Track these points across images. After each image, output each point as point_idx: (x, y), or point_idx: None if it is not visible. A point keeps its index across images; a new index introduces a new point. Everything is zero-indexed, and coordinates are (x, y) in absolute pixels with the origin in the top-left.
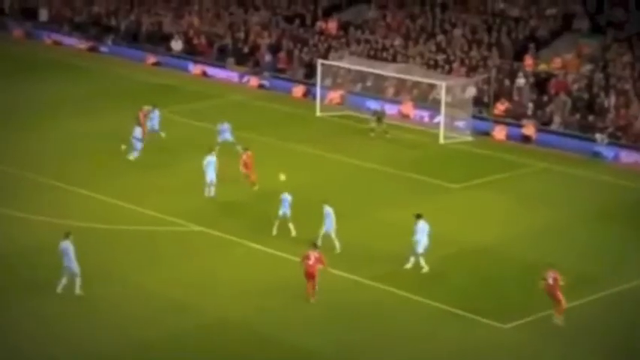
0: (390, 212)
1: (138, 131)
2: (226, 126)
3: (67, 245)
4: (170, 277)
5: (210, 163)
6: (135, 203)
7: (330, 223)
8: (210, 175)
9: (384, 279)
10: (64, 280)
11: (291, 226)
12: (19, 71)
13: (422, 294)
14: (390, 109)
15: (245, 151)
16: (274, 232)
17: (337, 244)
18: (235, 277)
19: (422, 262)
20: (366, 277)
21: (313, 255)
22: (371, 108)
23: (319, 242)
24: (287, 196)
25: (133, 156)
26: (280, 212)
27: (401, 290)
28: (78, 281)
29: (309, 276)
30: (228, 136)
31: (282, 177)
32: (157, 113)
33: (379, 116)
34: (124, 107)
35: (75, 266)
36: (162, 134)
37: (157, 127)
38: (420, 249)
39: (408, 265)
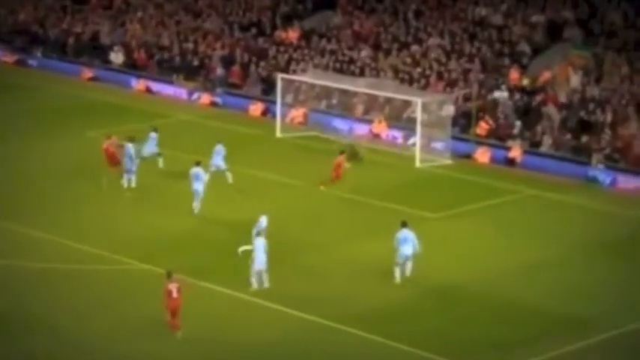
0: (357, 246)
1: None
2: (219, 148)
3: None
4: (111, 325)
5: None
6: (68, 238)
7: (261, 258)
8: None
9: (347, 319)
10: None
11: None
12: None
13: (388, 335)
14: (360, 129)
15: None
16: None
17: (265, 280)
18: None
19: (396, 273)
20: (326, 318)
21: (174, 287)
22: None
23: (252, 280)
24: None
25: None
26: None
27: (365, 332)
28: None
29: (176, 310)
30: (219, 162)
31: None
32: (154, 136)
33: (353, 152)
34: (56, 129)
35: None
36: (160, 161)
37: (155, 149)
38: (401, 259)
39: (403, 274)
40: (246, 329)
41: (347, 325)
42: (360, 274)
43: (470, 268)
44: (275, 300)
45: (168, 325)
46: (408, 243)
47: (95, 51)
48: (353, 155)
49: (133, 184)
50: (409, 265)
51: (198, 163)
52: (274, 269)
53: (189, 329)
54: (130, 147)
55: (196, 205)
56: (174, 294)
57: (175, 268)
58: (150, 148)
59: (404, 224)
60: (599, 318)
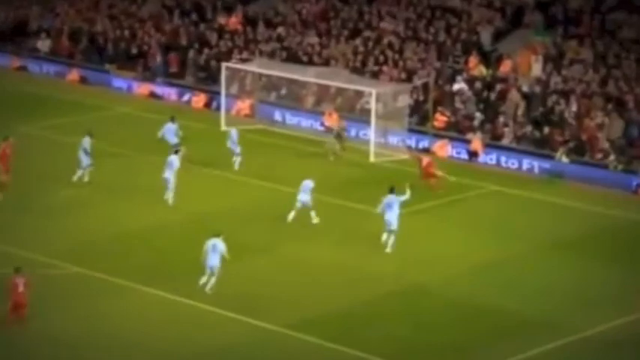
0: (305, 246)
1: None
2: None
3: None
4: (43, 333)
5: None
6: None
7: (214, 259)
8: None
9: (298, 325)
10: None
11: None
12: None
13: (343, 342)
14: (309, 122)
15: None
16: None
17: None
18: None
19: (389, 240)
20: (278, 325)
21: (21, 282)
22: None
23: (203, 281)
24: (309, 183)
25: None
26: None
27: (318, 338)
28: None
29: (20, 306)
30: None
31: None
32: (172, 126)
33: (339, 133)
34: None
35: None
36: (182, 149)
37: (174, 139)
38: (386, 226)
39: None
40: (193, 337)
41: (298, 331)
42: (311, 277)
43: (429, 267)
44: (223, 305)
45: (6, 320)
46: (392, 209)
47: (20, 38)
48: (339, 137)
49: (86, 179)
50: (392, 239)
51: (176, 152)
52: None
53: (133, 336)
54: (87, 141)
55: (170, 195)
56: (20, 288)
57: (118, 271)
58: (170, 138)
59: (391, 190)
60: (569, 318)
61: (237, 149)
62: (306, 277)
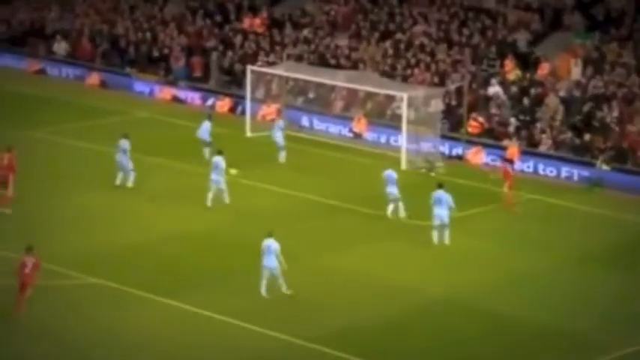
0: (331, 255)
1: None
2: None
3: None
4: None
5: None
6: (9, 249)
7: (271, 260)
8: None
9: (332, 341)
10: None
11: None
12: None
13: (370, 356)
14: (337, 128)
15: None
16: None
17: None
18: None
19: (443, 235)
20: (301, 338)
21: (30, 262)
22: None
23: (263, 290)
24: (391, 173)
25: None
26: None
27: (344, 353)
28: None
29: (24, 286)
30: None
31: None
32: (207, 124)
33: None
34: None
35: None
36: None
37: (208, 137)
38: (437, 220)
39: (442, 240)
40: (213, 349)
41: (321, 345)
42: (337, 288)
43: (459, 277)
44: (243, 317)
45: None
46: (442, 204)
47: (37, 40)
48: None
49: (130, 184)
50: (447, 233)
51: (220, 152)
52: (241, 282)
53: (152, 348)
54: (125, 143)
55: (210, 197)
56: (27, 269)
57: (133, 282)
58: (203, 135)
59: (440, 185)
60: (613, 335)
61: (282, 142)
62: (330, 288)
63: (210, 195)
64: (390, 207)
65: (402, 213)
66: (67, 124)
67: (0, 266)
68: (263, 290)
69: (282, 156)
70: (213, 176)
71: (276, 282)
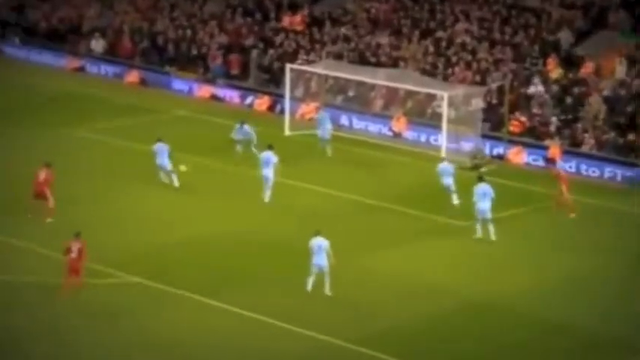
0: (371, 256)
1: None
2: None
3: None
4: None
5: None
6: (51, 248)
7: (321, 258)
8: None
9: (371, 342)
10: None
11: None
12: None
13: (410, 358)
14: (377, 127)
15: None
16: None
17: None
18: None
19: (489, 229)
20: (343, 339)
21: (76, 247)
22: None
23: (309, 286)
24: (447, 166)
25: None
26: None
27: (383, 354)
28: None
29: (74, 272)
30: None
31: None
32: (246, 128)
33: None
34: (36, 127)
35: None
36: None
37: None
38: (480, 215)
39: (487, 236)
40: (255, 349)
41: (360, 346)
42: (377, 288)
43: (499, 280)
44: (283, 318)
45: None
46: (486, 198)
47: (76, 38)
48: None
49: (176, 184)
50: (491, 228)
51: (270, 147)
52: (281, 282)
53: (192, 349)
54: (162, 146)
55: (267, 194)
56: (74, 254)
57: (178, 283)
58: (238, 136)
59: (480, 178)
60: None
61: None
62: (370, 288)
63: (268, 192)
64: (454, 197)
65: (456, 200)
66: (105, 122)
67: (42, 265)
68: (309, 286)
69: (329, 150)
70: (264, 172)
71: (322, 280)
